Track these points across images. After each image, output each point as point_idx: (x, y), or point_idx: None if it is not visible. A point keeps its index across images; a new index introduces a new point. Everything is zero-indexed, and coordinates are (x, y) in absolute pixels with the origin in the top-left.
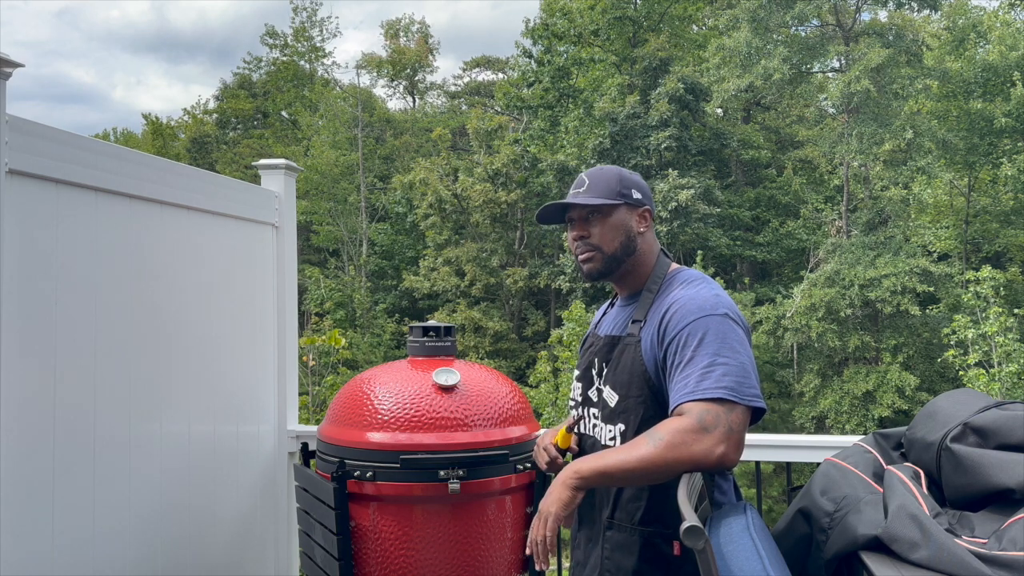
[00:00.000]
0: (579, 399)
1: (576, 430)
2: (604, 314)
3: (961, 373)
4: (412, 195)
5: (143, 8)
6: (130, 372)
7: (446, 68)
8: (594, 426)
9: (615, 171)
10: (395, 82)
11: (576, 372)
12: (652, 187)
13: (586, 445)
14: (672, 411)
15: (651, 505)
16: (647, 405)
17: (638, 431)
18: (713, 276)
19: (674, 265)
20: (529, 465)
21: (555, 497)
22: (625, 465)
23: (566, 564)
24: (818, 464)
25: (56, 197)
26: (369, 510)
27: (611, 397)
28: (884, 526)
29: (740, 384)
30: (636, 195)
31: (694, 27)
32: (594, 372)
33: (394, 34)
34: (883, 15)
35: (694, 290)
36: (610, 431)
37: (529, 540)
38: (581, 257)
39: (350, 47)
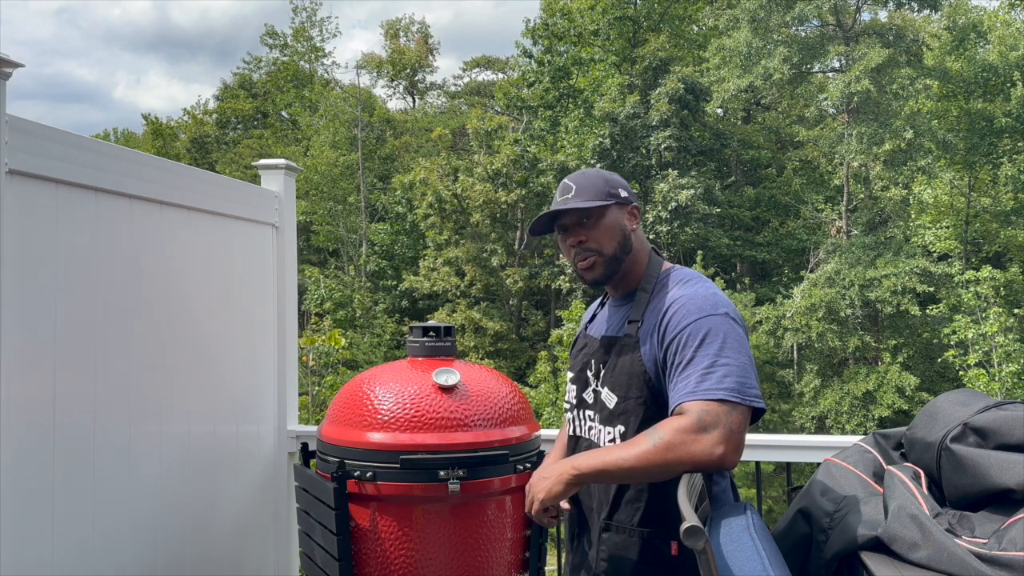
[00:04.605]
0: (574, 401)
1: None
2: (594, 315)
3: (961, 373)
4: (412, 195)
5: (144, 7)
6: (130, 372)
7: (448, 68)
8: (590, 428)
9: (599, 173)
10: (395, 82)
11: (570, 374)
12: (652, 187)
13: (582, 448)
14: (672, 411)
15: (650, 506)
16: (647, 406)
17: (638, 433)
18: (713, 276)
19: (666, 264)
20: (529, 465)
21: (546, 487)
22: (624, 464)
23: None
24: (818, 464)
25: (56, 197)
26: (369, 510)
27: (609, 399)
28: (884, 526)
29: (742, 385)
30: (623, 193)
31: (694, 27)
32: (590, 374)
33: (394, 34)
34: (883, 15)
35: (692, 289)
36: (609, 433)
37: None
38: (582, 264)
39: (356, 46)
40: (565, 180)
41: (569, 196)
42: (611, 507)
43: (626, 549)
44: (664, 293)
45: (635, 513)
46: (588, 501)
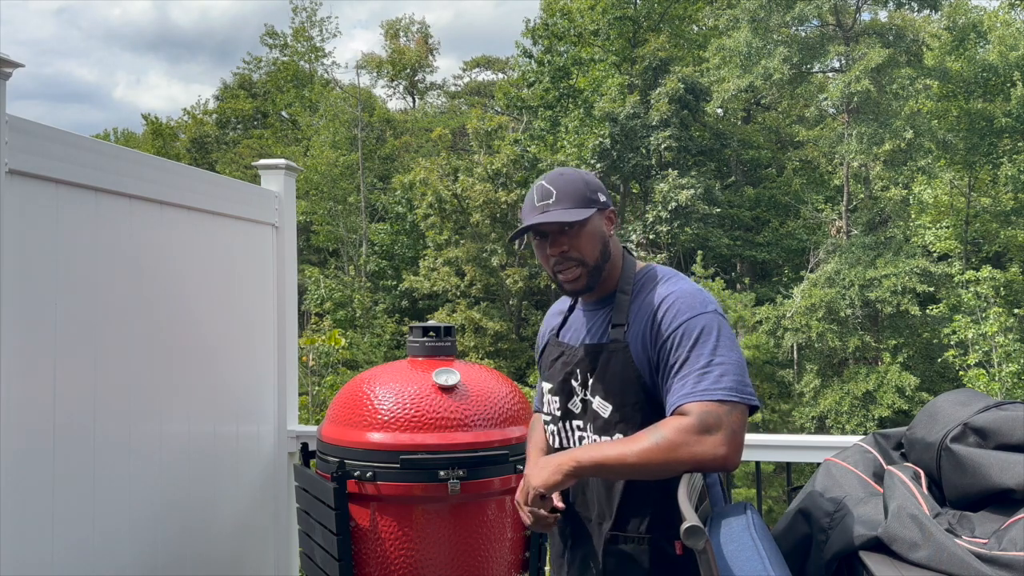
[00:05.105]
0: (558, 413)
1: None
2: (564, 320)
3: (961, 373)
4: (412, 195)
5: (144, 7)
6: (130, 372)
7: (448, 68)
8: (581, 439)
9: (578, 175)
10: (395, 82)
11: (548, 386)
12: (652, 187)
13: None
14: (672, 412)
15: (656, 510)
16: (645, 411)
17: None
18: (713, 276)
19: (640, 263)
20: None
21: (544, 478)
22: (625, 460)
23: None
24: (818, 464)
25: (56, 197)
26: (369, 510)
27: (603, 407)
28: (884, 526)
29: (739, 383)
30: (603, 198)
31: (694, 27)
32: (575, 383)
33: (394, 34)
34: (883, 15)
35: (677, 287)
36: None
37: (517, 500)
38: (564, 275)
39: (356, 46)
40: (543, 183)
41: (550, 202)
42: (617, 517)
43: (635, 557)
44: (648, 293)
45: (643, 520)
46: (585, 512)
